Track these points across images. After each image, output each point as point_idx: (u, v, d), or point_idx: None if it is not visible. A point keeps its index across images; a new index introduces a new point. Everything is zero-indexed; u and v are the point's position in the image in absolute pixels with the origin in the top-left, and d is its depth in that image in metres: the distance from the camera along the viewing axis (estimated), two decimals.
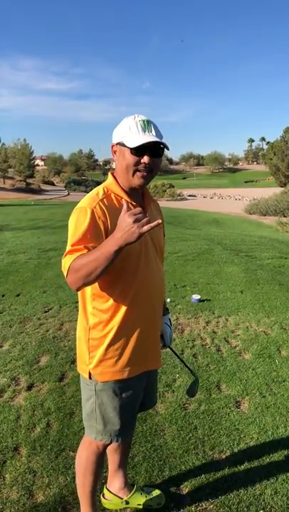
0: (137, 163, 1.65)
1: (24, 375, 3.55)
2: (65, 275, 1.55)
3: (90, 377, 1.79)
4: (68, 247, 1.57)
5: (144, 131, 1.64)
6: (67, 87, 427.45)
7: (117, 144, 1.71)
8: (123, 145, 1.66)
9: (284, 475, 2.44)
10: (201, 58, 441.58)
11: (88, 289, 1.73)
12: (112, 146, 1.74)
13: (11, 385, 3.39)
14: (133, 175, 1.68)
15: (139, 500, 2.17)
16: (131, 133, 1.65)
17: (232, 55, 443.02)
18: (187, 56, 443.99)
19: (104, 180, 1.88)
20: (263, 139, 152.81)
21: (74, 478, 2.34)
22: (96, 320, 1.74)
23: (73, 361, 3.78)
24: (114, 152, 1.74)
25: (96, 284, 1.68)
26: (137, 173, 1.68)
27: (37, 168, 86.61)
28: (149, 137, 1.62)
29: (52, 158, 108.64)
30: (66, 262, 1.54)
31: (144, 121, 1.67)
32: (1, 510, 2.16)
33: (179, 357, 2.39)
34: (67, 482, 2.34)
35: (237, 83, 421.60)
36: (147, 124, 1.66)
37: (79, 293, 1.77)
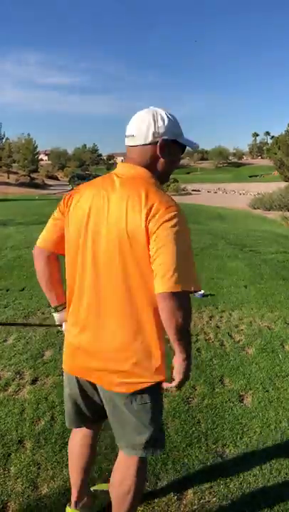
0: None
1: (28, 368, 3.57)
2: (187, 304, 1.51)
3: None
4: (192, 277, 1.50)
5: None
6: (71, 82, 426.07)
7: (171, 140, 1.61)
8: (180, 144, 1.66)
9: (287, 468, 2.45)
10: (207, 51, 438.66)
11: (148, 293, 1.55)
12: (161, 141, 1.59)
13: (15, 379, 3.41)
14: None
15: None
16: (182, 132, 1.66)
17: (237, 49, 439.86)
18: (192, 49, 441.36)
19: None
20: (267, 133, 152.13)
21: None
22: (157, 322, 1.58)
23: None
24: (163, 148, 1.60)
25: (152, 288, 1.52)
26: None
27: (41, 162, 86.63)
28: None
29: (56, 152, 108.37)
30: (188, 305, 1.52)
31: None
32: (6, 502, 2.19)
33: None
34: None
35: (242, 77, 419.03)
36: None
37: (141, 296, 1.56)
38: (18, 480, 2.33)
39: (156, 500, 2.21)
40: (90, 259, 1.62)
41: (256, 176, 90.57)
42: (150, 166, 1.61)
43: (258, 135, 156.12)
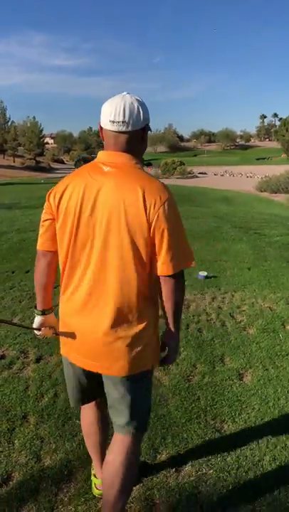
0: None
1: (33, 348, 3.65)
2: (183, 283, 1.70)
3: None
4: (189, 256, 1.69)
5: None
6: (77, 63, 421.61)
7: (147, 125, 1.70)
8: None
9: (283, 443, 2.52)
10: (217, 29, 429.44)
11: (149, 275, 1.66)
12: (147, 125, 1.70)
13: (20, 358, 3.49)
14: None
15: None
16: None
17: (246, 27, 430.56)
18: (200, 28, 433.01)
19: None
20: (275, 115, 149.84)
21: (80, 444, 2.45)
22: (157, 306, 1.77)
23: None
24: (146, 132, 1.72)
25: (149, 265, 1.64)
26: None
27: (47, 146, 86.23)
28: None
29: (61, 135, 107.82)
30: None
31: None
32: (11, 472, 2.28)
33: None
34: (73, 448, 2.44)
35: (250, 58, 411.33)
36: None
37: (137, 279, 1.63)
38: (22, 452, 2.42)
39: (154, 472, 2.28)
40: (88, 243, 1.66)
41: (264, 158, 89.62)
42: (136, 149, 1.68)
43: (265, 117, 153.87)
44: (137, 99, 1.65)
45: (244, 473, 2.29)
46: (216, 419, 2.74)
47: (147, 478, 2.24)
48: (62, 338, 1.83)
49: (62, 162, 78.40)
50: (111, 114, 1.62)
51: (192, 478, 2.25)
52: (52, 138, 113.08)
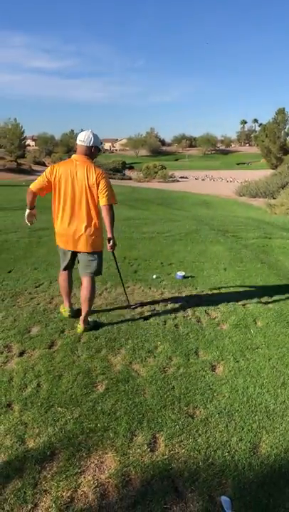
0: None
1: (16, 343, 3.80)
2: (112, 210, 3.77)
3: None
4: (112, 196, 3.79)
5: None
6: (58, 66, 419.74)
7: (96, 145, 3.86)
8: (98, 147, 3.92)
9: (249, 426, 2.74)
10: (198, 34, 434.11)
11: (97, 207, 3.78)
12: (94, 146, 3.82)
13: (3, 352, 3.64)
14: None
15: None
16: (100, 142, 3.93)
17: (227, 32, 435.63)
18: (183, 32, 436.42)
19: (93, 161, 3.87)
20: (255, 120, 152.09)
21: (62, 429, 2.63)
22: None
23: (63, 331, 4.03)
24: (94, 148, 3.83)
25: (97, 202, 3.76)
26: None
27: (28, 148, 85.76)
28: None
29: (43, 138, 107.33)
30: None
31: None
32: None
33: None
34: (55, 432, 2.61)
35: (232, 62, 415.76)
36: None
37: (93, 209, 3.77)
38: (7, 436, 2.58)
39: (131, 452, 2.47)
40: (70, 195, 3.78)
41: (244, 163, 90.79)
42: (88, 155, 3.80)
43: (246, 122, 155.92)
44: (92, 133, 3.80)
45: (213, 452, 2.49)
46: (188, 406, 2.94)
47: (124, 456, 2.43)
48: (59, 238, 3.95)
49: (44, 164, 77.86)
50: (81, 137, 3.79)
51: (165, 457, 2.44)
52: (33, 140, 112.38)
